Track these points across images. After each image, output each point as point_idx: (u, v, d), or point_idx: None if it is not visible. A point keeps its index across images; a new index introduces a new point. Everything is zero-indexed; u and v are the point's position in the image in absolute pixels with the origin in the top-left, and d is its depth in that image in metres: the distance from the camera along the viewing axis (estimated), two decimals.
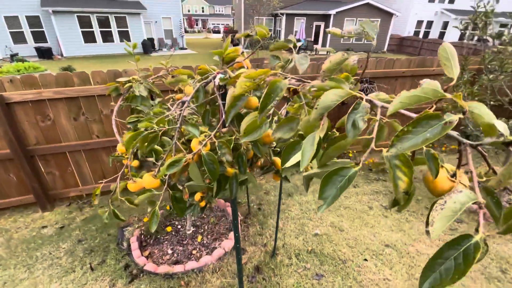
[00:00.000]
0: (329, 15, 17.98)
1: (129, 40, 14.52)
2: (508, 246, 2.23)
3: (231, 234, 2.40)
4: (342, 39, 19.59)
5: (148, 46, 15.43)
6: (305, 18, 18.33)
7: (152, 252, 2.33)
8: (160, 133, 0.92)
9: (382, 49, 19.91)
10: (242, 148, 0.93)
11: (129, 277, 2.05)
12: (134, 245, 2.33)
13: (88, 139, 3.04)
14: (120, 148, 1.33)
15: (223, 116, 1.04)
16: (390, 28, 19.23)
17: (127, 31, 14.74)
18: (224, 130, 0.96)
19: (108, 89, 1.99)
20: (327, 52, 17.36)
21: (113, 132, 3.08)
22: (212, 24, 45.54)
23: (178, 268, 2.07)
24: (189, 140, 1.01)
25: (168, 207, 2.81)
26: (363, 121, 0.45)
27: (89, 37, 14.06)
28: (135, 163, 1.81)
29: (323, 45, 19.60)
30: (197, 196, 1.76)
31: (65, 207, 3.14)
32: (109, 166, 3.22)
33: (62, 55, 14.31)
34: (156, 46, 16.74)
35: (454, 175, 0.52)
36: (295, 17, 18.44)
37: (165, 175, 0.89)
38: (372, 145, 0.48)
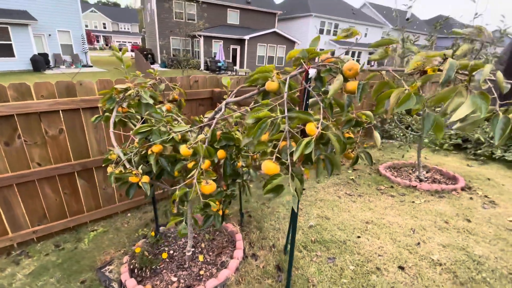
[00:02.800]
0: (244, 39, 19.57)
1: (13, 55, 11.65)
2: (440, 205, 3.06)
3: (238, 243, 2.34)
4: (256, 61, 21.52)
5: (40, 62, 12.82)
6: (222, 41, 19.31)
7: (154, 284, 2.02)
8: (279, 121, 0.96)
9: None
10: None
11: None
12: (131, 282, 1.96)
13: (25, 169, 2.39)
14: (185, 151, 1.22)
15: (304, 103, 1.15)
16: None
17: (10, 44, 11.83)
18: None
19: (102, 99, 1.71)
20: (245, 73, 18.68)
21: (63, 158, 2.53)
22: (117, 41, 41.72)
23: None
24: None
25: (153, 233, 2.47)
26: None
27: None
28: (145, 178, 1.63)
29: (241, 66, 21.00)
30: (215, 206, 1.72)
31: None
32: (78, 194, 2.59)
33: None
34: (52, 63, 14.07)
35: None
36: (213, 40, 19.17)
37: (286, 160, 0.93)
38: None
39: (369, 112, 1.33)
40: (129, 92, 1.69)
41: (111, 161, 1.85)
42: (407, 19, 3.59)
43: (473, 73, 0.75)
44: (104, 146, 2.72)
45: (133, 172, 1.62)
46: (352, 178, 3.88)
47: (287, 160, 0.96)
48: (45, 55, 13.46)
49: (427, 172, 4.03)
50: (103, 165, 2.50)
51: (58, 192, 2.60)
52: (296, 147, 0.90)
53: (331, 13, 25.24)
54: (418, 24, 32.78)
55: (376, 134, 1.25)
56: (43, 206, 2.56)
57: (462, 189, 3.41)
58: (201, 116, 1.74)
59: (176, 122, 1.86)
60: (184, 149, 1.22)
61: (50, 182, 2.53)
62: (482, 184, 3.53)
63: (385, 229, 2.64)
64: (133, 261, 2.16)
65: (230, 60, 20.42)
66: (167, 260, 2.27)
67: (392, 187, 3.58)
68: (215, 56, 19.13)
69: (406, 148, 4.01)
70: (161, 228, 2.63)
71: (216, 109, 1.49)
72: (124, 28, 45.34)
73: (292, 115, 0.98)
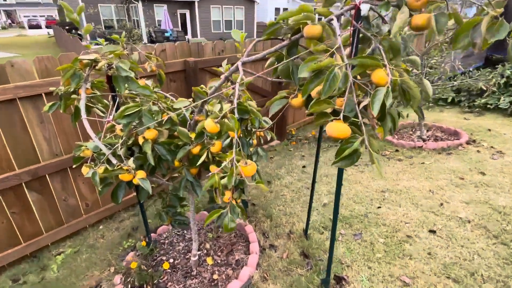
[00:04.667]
0: (193, 2, 18.52)
1: None
2: (450, 162, 3.31)
3: (251, 236, 2.30)
4: (212, 28, 20.68)
5: None
6: (166, 5, 18.06)
7: None
8: (345, 69, 0.88)
9: (252, 37, 22.51)
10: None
11: None
12: None
13: None
14: (213, 126, 1.08)
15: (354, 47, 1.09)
16: (255, 15, 21.99)
17: None
18: None
19: (63, 76, 1.46)
20: (201, 42, 17.84)
21: (2, 166, 2.20)
22: (25, 16, 36.74)
23: None
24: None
25: (144, 243, 2.32)
26: None
27: None
28: (141, 174, 1.48)
29: (193, 35, 20.02)
30: (227, 196, 1.65)
31: None
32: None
33: None
34: None
35: None
36: (154, 4, 17.85)
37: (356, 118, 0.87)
38: None
39: (414, 58, 1.31)
40: (100, 64, 1.46)
41: (84, 158, 1.64)
42: None
43: None
44: (57, 144, 2.41)
45: (124, 168, 1.45)
46: None
47: (354, 117, 0.90)
48: None
49: (427, 131, 4.31)
50: (73, 166, 2.24)
51: (3, 212, 2.28)
52: (372, 99, 0.84)
53: None
54: None
55: (427, 83, 1.23)
56: None
57: (467, 143, 3.72)
58: (203, 86, 1.59)
59: (166, 99, 1.68)
60: (211, 124, 1.09)
61: None
62: (485, 136, 3.88)
63: (403, 195, 2.79)
64: (128, 279, 2.01)
65: (180, 28, 19.33)
66: (169, 270, 2.16)
67: (397, 150, 3.77)
68: (160, 25, 17.91)
69: (406, 110, 4.23)
70: (152, 235, 2.48)
71: (225, 74, 1.36)
72: None
73: (354, 62, 0.91)
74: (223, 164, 1.08)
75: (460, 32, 0.88)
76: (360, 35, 1.08)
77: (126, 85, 1.52)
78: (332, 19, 1.04)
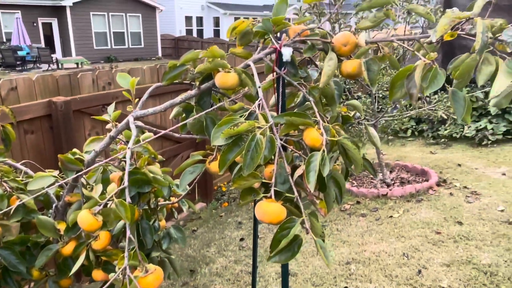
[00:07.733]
0: (63, 7, 18.49)
1: None
2: (422, 212, 3.72)
3: None
4: (94, 43, 20.51)
5: None
6: (20, 11, 17.66)
7: None
8: (269, 133, 0.95)
9: (156, 55, 23.00)
10: None
11: None
12: None
13: None
14: (92, 222, 1.01)
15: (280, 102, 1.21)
16: (157, 25, 22.74)
17: None
18: None
19: None
20: (78, 63, 17.50)
21: None
22: None
23: None
24: None
25: None
26: None
27: None
28: None
29: (66, 53, 19.59)
30: None
31: None
32: None
33: None
34: None
35: None
36: (0, 10, 17.28)
37: None
38: None
39: (355, 102, 1.50)
40: None
41: None
42: None
43: (498, 35, 0.98)
44: None
45: None
46: None
47: (288, 192, 0.96)
48: None
49: (391, 172, 4.80)
50: None
51: None
52: (306, 168, 0.91)
53: None
54: None
55: (372, 131, 1.41)
56: None
57: (438, 184, 4.25)
58: (75, 151, 1.51)
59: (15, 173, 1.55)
60: (87, 219, 1.01)
61: None
62: (456, 173, 4.50)
63: (373, 264, 2.98)
64: None
65: (43, 45, 18.83)
66: None
67: (358, 202, 4.09)
68: (10, 40, 17.32)
69: (365, 145, 4.71)
70: None
71: (113, 131, 1.33)
72: None
73: (281, 120, 0.99)
74: (112, 277, 1.01)
75: (395, 80, 1.05)
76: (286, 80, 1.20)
77: None
78: (249, 65, 1.14)
